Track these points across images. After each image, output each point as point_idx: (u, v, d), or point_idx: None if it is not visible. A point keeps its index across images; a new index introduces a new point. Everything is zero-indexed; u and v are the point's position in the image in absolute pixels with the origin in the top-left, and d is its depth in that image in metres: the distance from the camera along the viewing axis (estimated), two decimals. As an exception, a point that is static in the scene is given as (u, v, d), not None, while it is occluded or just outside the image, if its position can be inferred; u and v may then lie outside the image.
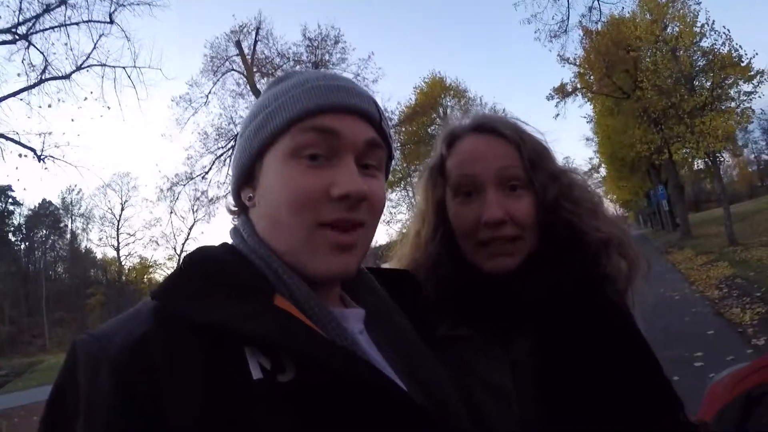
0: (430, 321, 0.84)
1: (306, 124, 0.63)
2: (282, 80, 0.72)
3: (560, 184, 0.90)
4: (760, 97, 15.44)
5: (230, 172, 0.74)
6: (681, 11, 15.96)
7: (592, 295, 0.86)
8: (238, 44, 17.59)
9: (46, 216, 50.11)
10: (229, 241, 0.70)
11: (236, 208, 0.74)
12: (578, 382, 0.77)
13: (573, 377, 0.78)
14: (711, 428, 0.94)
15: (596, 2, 13.27)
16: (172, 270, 0.61)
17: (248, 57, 17.57)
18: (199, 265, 0.61)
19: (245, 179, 0.69)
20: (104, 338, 0.52)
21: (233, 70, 17.99)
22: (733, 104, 15.40)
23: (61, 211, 49.59)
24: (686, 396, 0.83)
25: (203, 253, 0.64)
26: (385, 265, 1.05)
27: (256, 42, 17.73)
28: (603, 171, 36.71)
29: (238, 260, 0.64)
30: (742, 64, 15.13)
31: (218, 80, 17.92)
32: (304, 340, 0.54)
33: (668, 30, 16.31)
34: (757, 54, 15.13)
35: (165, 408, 0.48)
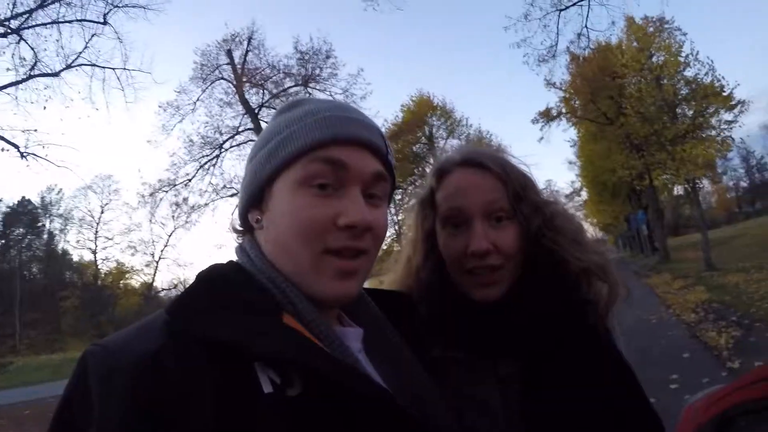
0: (425, 341, 0.87)
1: (317, 155, 0.65)
2: (293, 107, 0.74)
3: (543, 215, 0.94)
4: (740, 126, 15.88)
5: (239, 192, 0.76)
6: (667, 41, 16.39)
7: (575, 320, 0.90)
8: (229, 53, 17.56)
9: (24, 214, 49.03)
10: (234, 258, 0.72)
11: (242, 228, 0.76)
12: (562, 404, 0.81)
13: (557, 400, 0.81)
14: None
15: (585, 29, 13.53)
16: (188, 286, 0.64)
17: (238, 66, 17.53)
18: (211, 282, 0.64)
19: (254, 202, 0.71)
20: (117, 349, 0.54)
21: (222, 78, 17.91)
22: (713, 132, 15.78)
23: (39, 210, 48.59)
24: (662, 418, 0.86)
25: (215, 271, 0.67)
26: (367, 283, 1.09)
27: (247, 52, 17.74)
28: (584, 194, 37.31)
29: (247, 279, 0.66)
30: (724, 94, 15.55)
31: (207, 88, 17.81)
32: (314, 357, 0.58)
33: (654, 59, 16.73)
34: (738, 84, 15.61)
35: (178, 420, 0.49)
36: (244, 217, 0.74)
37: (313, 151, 0.65)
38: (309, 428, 0.55)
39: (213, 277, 0.65)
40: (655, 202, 22.50)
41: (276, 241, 0.67)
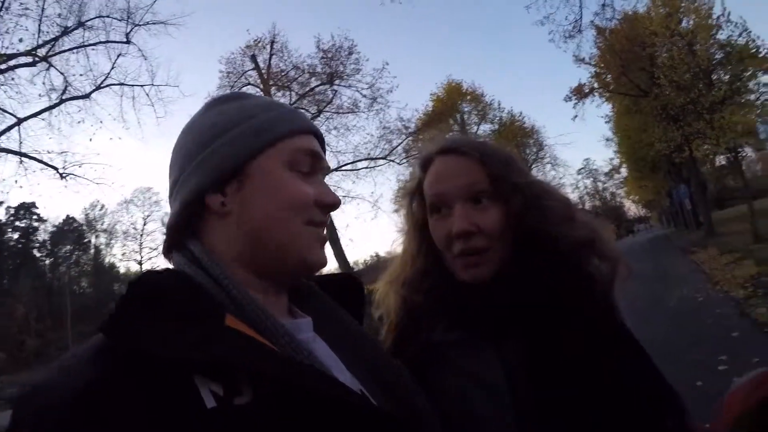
0: (424, 326, 0.96)
1: (299, 144, 0.72)
2: (240, 98, 0.77)
3: (526, 194, 0.95)
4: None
5: (185, 184, 0.70)
6: (695, 4, 15.81)
7: (572, 296, 0.90)
8: (253, 58, 17.77)
9: (70, 232, 51.32)
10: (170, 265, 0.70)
11: (177, 224, 0.70)
12: (572, 386, 0.82)
13: (566, 381, 0.82)
14: None
15: (608, -1, 13.05)
16: (119, 300, 0.58)
17: (264, 71, 17.76)
18: (145, 293, 0.58)
19: (216, 185, 0.68)
20: (47, 387, 0.50)
21: (249, 84, 18.03)
22: (752, 97, 15.19)
23: (84, 227, 50.79)
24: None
25: (148, 279, 0.61)
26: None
27: (271, 56, 17.90)
28: (624, 171, 36.43)
29: (184, 283, 0.63)
30: (761, 56, 14.92)
31: (235, 95, 18.05)
32: (258, 359, 0.54)
33: (683, 23, 16.12)
34: (773, 45, 14.87)
35: None
36: (195, 202, 0.69)
37: (292, 138, 0.72)
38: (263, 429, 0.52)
39: (146, 287, 0.60)
40: (697, 175, 21.73)
41: (260, 218, 0.67)
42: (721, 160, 22.80)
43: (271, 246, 0.67)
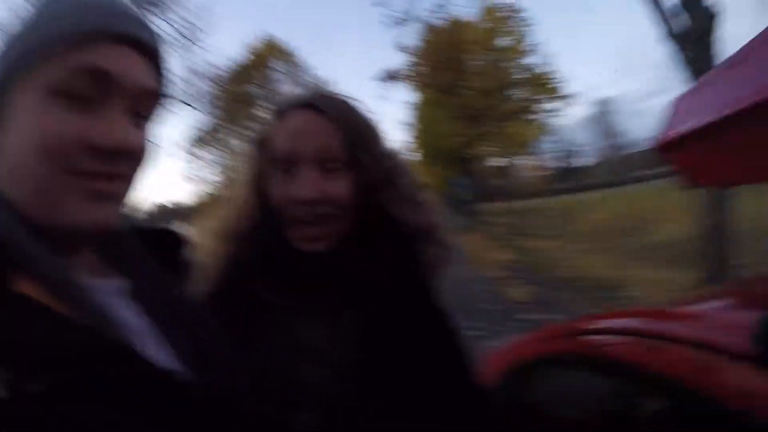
0: (248, 282, 0.86)
1: (76, 58, 0.51)
2: None
3: (381, 168, 0.91)
4: (563, 115, 18.34)
5: None
6: (514, 28, 17.94)
7: (408, 275, 0.90)
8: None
9: None
10: None
11: None
12: (396, 355, 0.83)
13: (391, 352, 0.83)
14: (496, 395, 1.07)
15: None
16: None
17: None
18: None
19: None
20: None
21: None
22: (537, 117, 17.99)
23: None
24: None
25: None
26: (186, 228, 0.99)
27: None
28: (415, 156, 39.61)
29: None
30: (549, 87, 17.59)
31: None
32: (51, 332, 0.45)
33: (499, 41, 18.15)
34: (568, 80, 18.19)
35: None
36: None
37: (68, 49, 0.51)
38: (58, 423, 0.42)
39: None
40: (478, 171, 24.28)
41: (12, 164, 0.51)
42: (499, 161, 26.34)
43: (27, 200, 0.51)
